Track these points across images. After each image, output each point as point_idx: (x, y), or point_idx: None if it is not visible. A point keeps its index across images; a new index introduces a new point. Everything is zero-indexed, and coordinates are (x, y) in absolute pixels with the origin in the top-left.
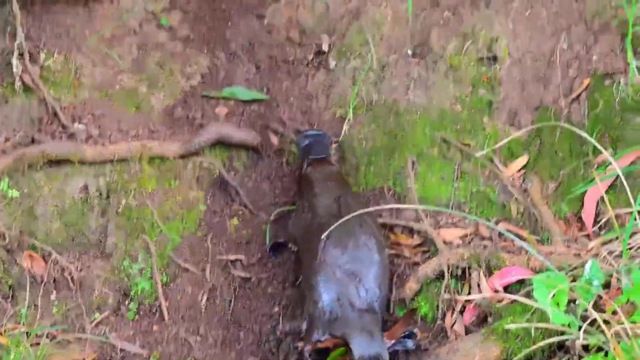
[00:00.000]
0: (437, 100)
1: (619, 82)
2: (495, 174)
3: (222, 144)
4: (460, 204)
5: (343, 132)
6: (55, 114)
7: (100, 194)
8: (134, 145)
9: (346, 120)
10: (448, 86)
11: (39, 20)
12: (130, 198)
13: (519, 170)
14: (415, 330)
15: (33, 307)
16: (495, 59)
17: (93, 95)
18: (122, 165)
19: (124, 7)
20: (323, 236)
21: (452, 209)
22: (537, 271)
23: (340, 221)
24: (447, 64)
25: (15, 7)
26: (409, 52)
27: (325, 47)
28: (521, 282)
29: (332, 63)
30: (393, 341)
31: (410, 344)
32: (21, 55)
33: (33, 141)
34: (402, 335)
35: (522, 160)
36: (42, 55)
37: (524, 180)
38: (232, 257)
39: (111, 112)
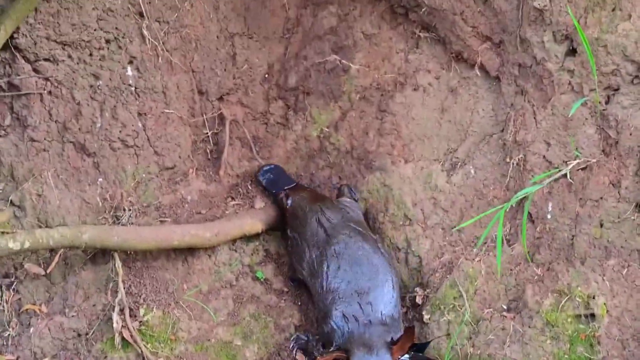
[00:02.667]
0: (534, 356)
1: None
2: None
3: None
4: None
5: None
6: None
7: None
8: None
9: None
10: (545, 342)
11: (140, 276)
12: None
13: None
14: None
15: None
16: (593, 316)
17: (189, 348)
18: None
19: (221, 261)
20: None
21: None
22: None
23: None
24: (544, 320)
25: (118, 264)
26: (504, 306)
27: (419, 300)
28: None
29: (425, 316)
30: (404, 355)
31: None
32: (122, 310)
33: None
34: (411, 348)
35: None
36: (142, 310)
37: None
38: None
39: None
